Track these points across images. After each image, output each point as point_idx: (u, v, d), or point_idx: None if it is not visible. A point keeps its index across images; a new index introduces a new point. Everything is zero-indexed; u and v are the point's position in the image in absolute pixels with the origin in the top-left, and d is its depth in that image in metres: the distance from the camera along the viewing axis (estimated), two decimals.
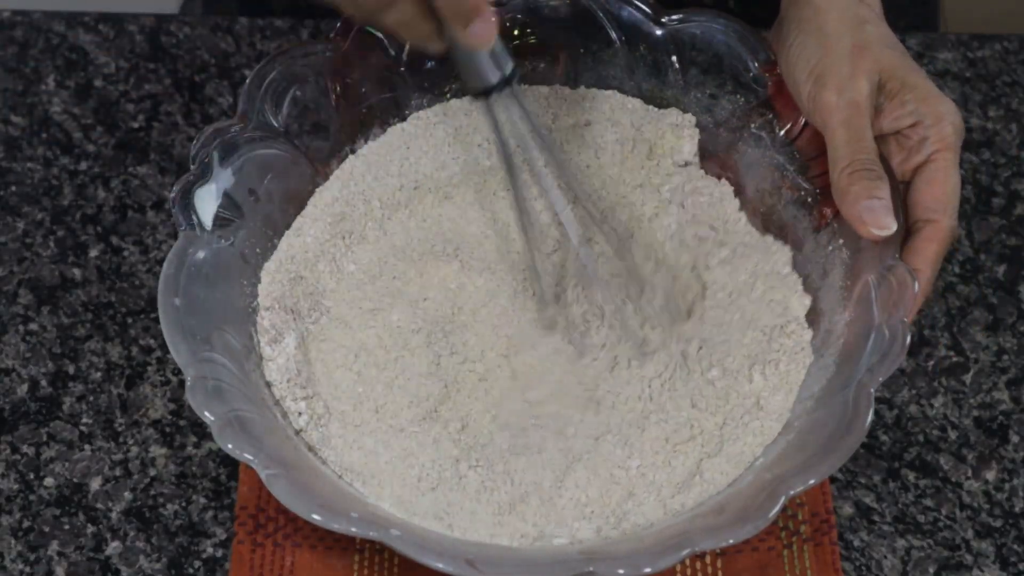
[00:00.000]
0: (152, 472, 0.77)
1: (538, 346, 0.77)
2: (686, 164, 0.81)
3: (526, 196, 0.77)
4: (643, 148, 0.81)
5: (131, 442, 0.78)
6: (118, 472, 0.77)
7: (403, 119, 0.81)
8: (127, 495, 0.76)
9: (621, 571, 0.62)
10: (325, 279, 0.77)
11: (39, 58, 0.92)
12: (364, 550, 0.74)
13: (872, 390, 0.66)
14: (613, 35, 0.80)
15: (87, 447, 0.78)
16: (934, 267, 0.71)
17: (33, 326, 0.82)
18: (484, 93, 0.71)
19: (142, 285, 0.83)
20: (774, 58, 0.77)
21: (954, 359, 0.82)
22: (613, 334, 0.76)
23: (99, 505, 0.76)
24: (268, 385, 0.73)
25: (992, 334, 0.83)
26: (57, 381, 0.80)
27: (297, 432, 0.72)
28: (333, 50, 0.78)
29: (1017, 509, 0.77)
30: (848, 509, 0.77)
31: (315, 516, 0.63)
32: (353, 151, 0.80)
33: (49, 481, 0.77)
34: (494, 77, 0.71)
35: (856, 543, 0.76)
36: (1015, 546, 0.76)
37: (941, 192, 0.71)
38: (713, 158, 0.80)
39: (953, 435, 0.79)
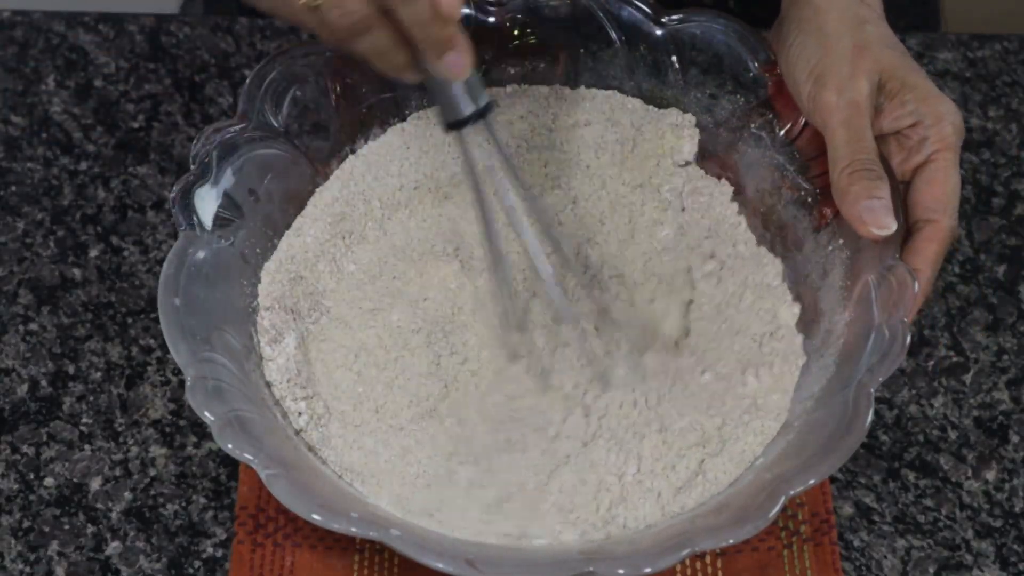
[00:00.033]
0: (152, 472, 0.77)
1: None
2: (686, 164, 0.81)
3: (497, 229, 0.76)
4: (643, 148, 0.81)
5: (131, 442, 0.78)
6: (118, 472, 0.77)
7: (403, 119, 0.81)
8: (127, 495, 0.76)
9: (621, 571, 0.62)
10: (325, 279, 0.77)
11: (39, 58, 0.92)
12: (364, 550, 0.74)
13: (872, 390, 0.66)
14: (613, 35, 0.80)
15: (87, 447, 0.78)
16: (934, 267, 0.71)
17: (33, 326, 0.82)
18: (457, 125, 0.71)
19: (142, 285, 0.83)
20: (774, 58, 0.77)
21: (954, 359, 0.82)
22: (575, 374, 0.75)
23: (99, 505, 0.76)
24: (268, 385, 0.73)
25: (992, 334, 0.83)
26: (57, 381, 0.80)
27: (297, 432, 0.72)
28: (333, 50, 0.78)
29: (1017, 509, 0.77)
30: (848, 509, 0.77)
31: (315, 516, 0.63)
32: (353, 151, 0.80)
33: (49, 481, 0.77)
34: (467, 109, 0.70)
35: (856, 543, 0.76)
36: (1015, 546, 0.76)
37: (941, 192, 0.71)
38: (713, 158, 0.80)
39: (953, 435, 0.79)
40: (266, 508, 0.75)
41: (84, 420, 0.79)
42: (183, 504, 0.76)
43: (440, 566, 0.63)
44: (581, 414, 0.74)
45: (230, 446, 0.65)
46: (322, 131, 0.79)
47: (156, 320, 0.81)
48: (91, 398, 0.79)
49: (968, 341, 0.82)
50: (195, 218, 0.72)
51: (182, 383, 0.79)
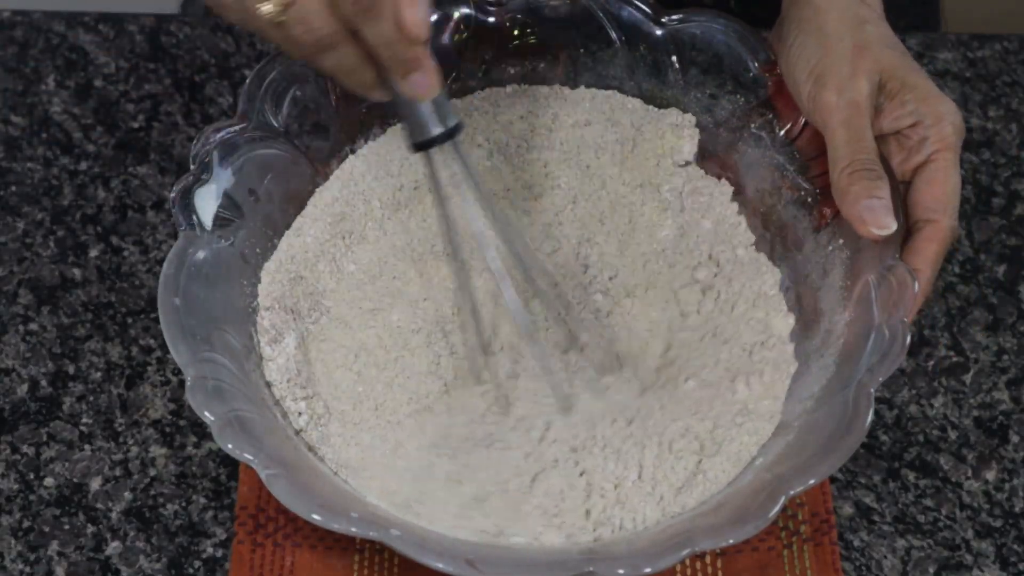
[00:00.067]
0: (152, 472, 0.77)
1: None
2: (686, 164, 0.81)
3: (463, 250, 0.76)
4: (643, 148, 0.81)
5: (131, 442, 0.78)
6: (118, 472, 0.77)
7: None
8: (127, 495, 0.76)
9: (621, 571, 0.62)
10: (325, 279, 0.77)
11: (39, 58, 0.92)
12: (364, 550, 0.74)
13: (872, 390, 0.66)
14: (613, 35, 0.80)
15: (87, 447, 0.78)
16: (934, 267, 0.71)
17: (33, 326, 0.82)
18: (424, 146, 0.70)
19: (142, 285, 0.83)
20: (774, 58, 0.77)
21: (954, 359, 0.82)
22: (535, 404, 0.75)
23: (99, 505, 0.76)
24: (268, 385, 0.73)
25: (992, 334, 0.83)
26: (57, 381, 0.80)
27: (297, 432, 0.72)
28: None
29: (1017, 509, 0.77)
30: (848, 509, 0.77)
31: (315, 516, 0.63)
32: (353, 151, 0.80)
33: (49, 481, 0.77)
34: (435, 130, 0.69)
35: (856, 543, 0.76)
36: (1015, 546, 0.76)
37: (941, 192, 0.71)
38: (713, 158, 0.80)
39: (953, 435, 0.79)
40: (266, 508, 0.75)
41: (84, 420, 0.79)
42: (183, 504, 0.76)
43: (440, 566, 0.63)
44: (568, 416, 0.73)
45: (230, 446, 0.65)
46: (322, 131, 0.79)
47: (156, 320, 0.81)
48: (91, 398, 0.79)
49: (968, 341, 0.82)
50: (195, 218, 0.72)
51: (182, 383, 0.79)
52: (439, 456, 0.72)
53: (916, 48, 0.94)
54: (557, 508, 0.70)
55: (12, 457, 0.78)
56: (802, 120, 0.76)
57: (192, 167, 0.73)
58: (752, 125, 0.79)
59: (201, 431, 0.78)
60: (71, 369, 0.81)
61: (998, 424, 0.80)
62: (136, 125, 0.90)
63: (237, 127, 0.75)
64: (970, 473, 0.78)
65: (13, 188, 0.87)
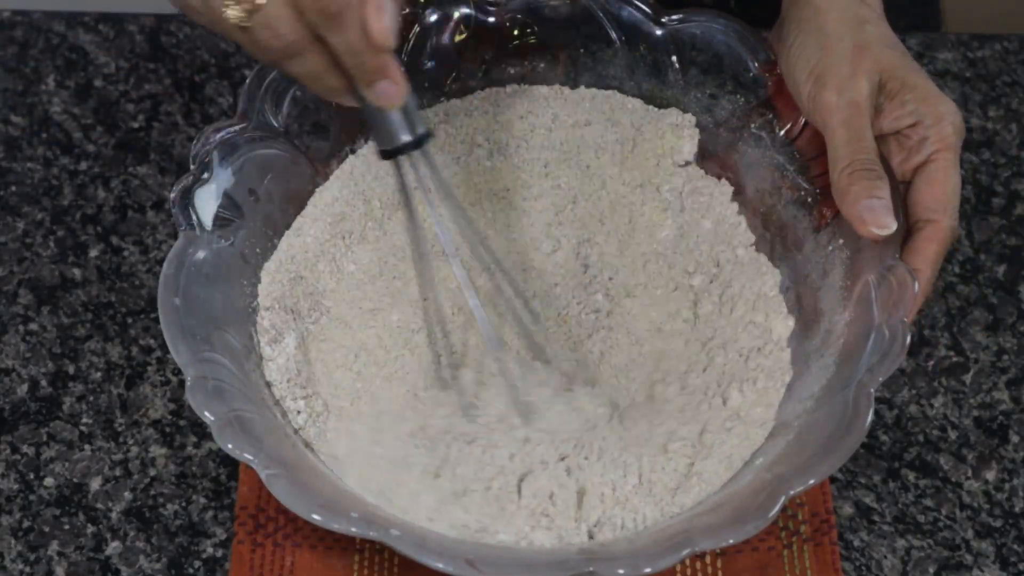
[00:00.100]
0: (152, 472, 0.77)
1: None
2: (686, 164, 0.81)
3: (430, 259, 0.76)
4: (643, 148, 0.81)
5: (131, 442, 0.78)
6: (118, 472, 0.77)
7: None
8: (127, 495, 0.76)
9: (621, 571, 0.62)
10: (325, 279, 0.77)
11: (39, 58, 0.92)
12: (364, 550, 0.74)
13: (872, 390, 0.66)
14: (613, 35, 0.80)
15: (87, 447, 0.78)
16: (934, 267, 0.71)
17: (33, 326, 0.82)
18: (392, 153, 0.70)
19: (142, 285, 0.83)
20: (774, 58, 0.77)
21: (954, 359, 0.82)
22: (499, 410, 0.75)
23: (99, 505, 0.76)
24: (268, 385, 0.73)
25: (992, 334, 0.83)
26: (57, 381, 0.80)
27: (296, 430, 0.72)
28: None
29: (1017, 509, 0.77)
30: (848, 509, 0.77)
31: (315, 516, 0.63)
32: (353, 151, 0.80)
33: (49, 481, 0.77)
34: (404, 137, 0.69)
35: (856, 543, 0.76)
36: (1015, 546, 0.76)
37: (941, 192, 0.71)
38: (713, 158, 0.80)
39: (953, 435, 0.79)
40: (266, 508, 0.75)
41: (84, 420, 0.79)
42: (183, 504, 0.76)
43: (440, 566, 0.63)
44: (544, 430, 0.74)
45: (230, 446, 0.65)
46: (322, 131, 0.79)
47: (156, 320, 0.81)
48: (91, 398, 0.79)
49: (968, 341, 0.82)
50: (195, 218, 0.72)
51: (182, 383, 0.79)
52: (416, 447, 0.72)
53: (916, 48, 0.94)
54: (546, 509, 0.70)
55: (12, 457, 0.78)
56: (802, 120, 0.76)
57: (192, 167, 0.73)
58: (752, 125, 0.79)
59: (201, 431, 0.78)
60: (71, 369, 0.81)
61: (998, 424, 0.80)
62: (136, 125, 0.90)
63: (237, 127, 0.75)
64: (970, 473, 0.78)
65: (13, 188, 0.87)
